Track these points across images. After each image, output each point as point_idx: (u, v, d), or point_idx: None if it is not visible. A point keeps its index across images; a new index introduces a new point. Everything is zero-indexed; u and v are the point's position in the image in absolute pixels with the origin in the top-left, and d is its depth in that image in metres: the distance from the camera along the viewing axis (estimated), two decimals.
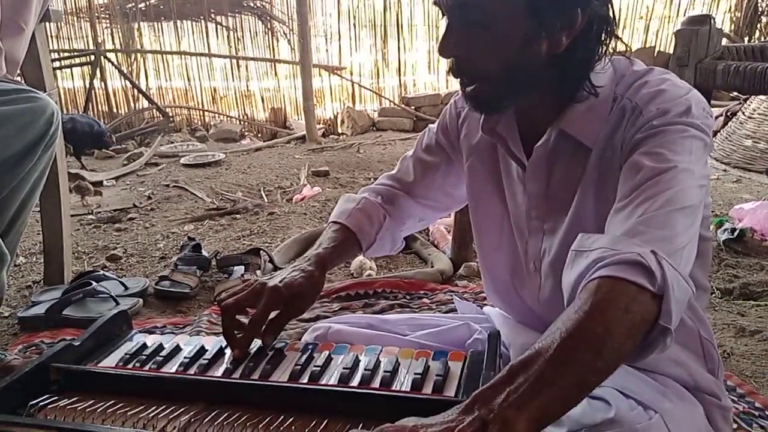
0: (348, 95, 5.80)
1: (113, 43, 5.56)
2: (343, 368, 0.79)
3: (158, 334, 1.08)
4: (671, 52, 1.92)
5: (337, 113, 5.69)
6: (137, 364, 0.84)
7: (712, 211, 2.65)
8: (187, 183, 3.55)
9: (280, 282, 0.90)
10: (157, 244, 2.52)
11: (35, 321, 1.77)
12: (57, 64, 5.18)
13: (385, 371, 0.78)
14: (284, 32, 5.66)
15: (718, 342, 1.53)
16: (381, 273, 2.14)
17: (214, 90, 5.77)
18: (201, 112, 5.76)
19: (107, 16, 5.53)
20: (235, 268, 2.10)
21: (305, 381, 0.78)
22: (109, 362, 0.86)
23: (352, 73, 5.78)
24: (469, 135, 1.01)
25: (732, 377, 1.41)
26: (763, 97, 3.68)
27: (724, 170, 3.60)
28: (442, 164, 1.08)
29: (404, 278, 2.01)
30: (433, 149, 1.08)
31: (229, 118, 5.72)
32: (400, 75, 5.82)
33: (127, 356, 0.86)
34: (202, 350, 0.87)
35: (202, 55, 5.65)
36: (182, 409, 0.73)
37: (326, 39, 5.68)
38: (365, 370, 0.79)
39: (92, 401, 0.75)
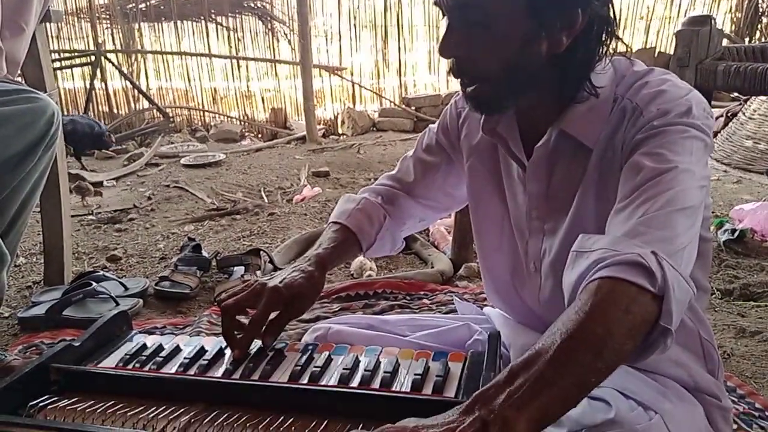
0: (348, 96, 5.80)
1: (114, 43, 5.56)
2: (343, 369, 0.79)
3: (158, 334, 1.07)
4: (672, 52, 1.92)
5: (338, 114, 5.69)
6: (137, 365, 0.84)
7: (713, 212, 2.65)
8: (187, 183, 3.55)
9: (280, 282, 0.90)
10: (157, 245, 2.52)
11: (35, 321, 1.77)
12: (57, 64, 5.19)
13: (385, 372, 0.78)
14: (285, 32, 5.66)
15: (719, 343, 1.53)
16: (381, 273, 2.13)
17: (215, 90, 5.77)
18: (201, 112, 5.77)
19: (108, 16, 5.53)
20: (235, 268, 2.10)
21: (305, 382, 0.78)
22: (109, 363, 0.86)
23: (352, 74, 5.78)
24: (470, 135, 1.01)
25: (732, 378, 1.41)
26: (763, 97, 3.68)
27: (725, 171, 3.60)
28: (443, 164, 1.08)
29: (404, 279, 2.01)
30: (434, 149, 1.08)
31: (229, 119, 5.72)
32: (400, 75, 5.82)
33: (127, 357, 0.85)
34: (202, 351, 0.86)
35: (202, 55, 5.65)
36: (182, 410, 0.73)
37: (327, 39, 5.68)
38: (365, 370, 0.79)
39: (92, 402, 0.75)
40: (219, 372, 0.82)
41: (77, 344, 0.86)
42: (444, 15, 0.82)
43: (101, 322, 0.92)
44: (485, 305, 1.19)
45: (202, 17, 5.56)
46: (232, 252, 2.32)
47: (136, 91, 5.48)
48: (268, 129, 5.62)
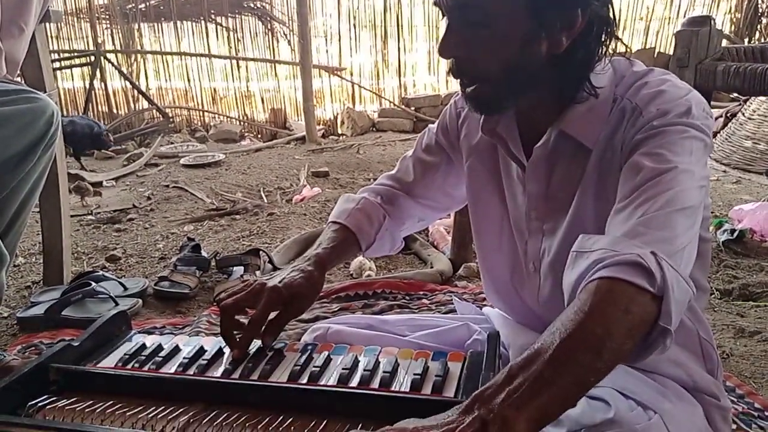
0: (348, 96, 5.80)
1: (113, 43, 5.56)
2: (343, 369, 0.79)
3: (157, 334, 1.07)
4: (671, 53, 1.92)
5: (337, 114, 5.69)
6: (136, 365, 0.84)
7: (712, 212, 2.65)
8: (186, 183, 3.55)
9: (280, 282, 0.90)
10: (157, 245, 2.52)
11: (34, 321, 1.77)
12: (57, 64, 5.18)
13: (384, 372, 0.78)
14: (284, 33, 5.66)
15: (718, 343, 1.53)
16: (380, 273, 2.13)
17: (214, 90, 5.77)
18: (201, 112, 5.76)
19: (107, 16, 5.53)
20: (235, 268, 2.10)
21: (304, 381, 0.78)
22: (109, 363, 0.86)
23: (352, 74, 5.78)
24: (469, 135, 1.01)
25: (731, 378, 1.41)
26: (763, 98, 3.68)
27: (724, 171, 3.60)
28: (442, 164, 1.08)
29: (404, 279, 2.01)
30: (433, 149, 1.08)
31: (229, 119, 5.72)
32: (400, 76, 5.82)
33: (126, 357, 0.85)
34: (202, 351, 0.86)
35: (202, 55, 5.65)
36: (181, 410, 0.73)
37: (326, 40, 5.68)
38: (364, 370, 0.79)
39: (91, 402, 0.75)
40: (218, 372, 0.82)
41: (76, 344, 0.86)
42: (444, 15, 0.82)
43: (100, 322, 0.92)
44: (484, 305, 1.19)
45: (201, 17, 5.55)
46: (232, 252, 2.32)
47: (135, 92, 5.48)
48: (267, 129, 5.62)
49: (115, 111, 5.56)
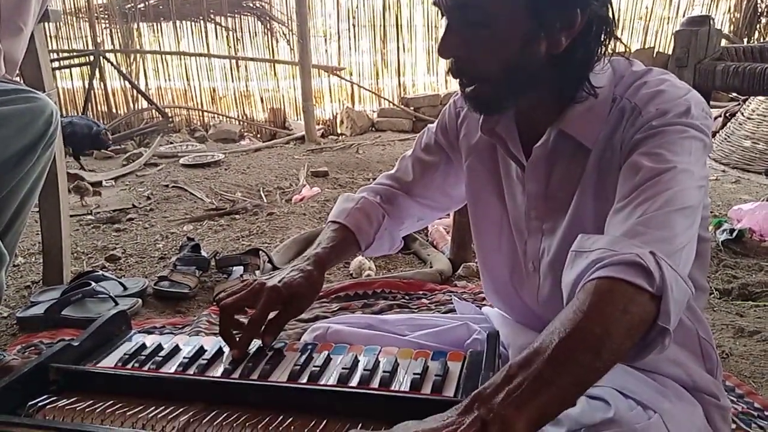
0: (347, 96, 5.79)
1: (112, 43, 5.55)
2: (342, 368, 0.79)
3: (157, 334, 1.07)
4: (670, 52, 1.92)
5: (336, 114, 5.69)
6: (136, 365, 0.84)
7: (711, 212, 2.65)
8: (186, 183, 3.55)
9: (279, 282, 0.90)
10: (156, 245, 2.52)
11: (34, 321, 1.77)
12: (56, 64, 5.18)
13: (384, 371, 0.78)
14: (283, 33, 5.65)
15: (717, 342, 1.53)
16: (380, 273, 2.14)
17: (214, 90, 5.76)
18: (200, 112, 5.76)
19: (106, 16, 5.53)
20: (234, 268, 2.10)
21: (304, 381, 0.78)
22: (108, 362, 0.86)
23: (351, 74, 5.78)
24: (469, 135, 1.01)
25: (731, 377, 1.41)
26: (762, 98, 3.68)
27: (723, 171, 3.60)
28: (441, 164, 1.08)
29: (403, 278, 2.01)
30: (432, 149, 1.09)
31: (228, 119, 5.71)
32: (399, 76, 5.81)
33: (126, 356, 0.85)
34: (201, 350, 0.87)
35: (201, 55, 5.64)
36: (181, 410, 0.73)
37: (325, 39, 5.68)
38: (364, 370, 0.79)
39: (91, 401, 0.75)
40: (218, 371, 0.82)
41: (76, 344, 0.86)
42: (443, 15, 0.82)
43: (100, 321, 0.92)
44: (484, 305, 1.19)
45: (201, 17, 5.55)
46: (231, 252, 2.32)
47: (134, 91, 5.47)
48: (267, 129, 5.61)
49: (114, 111, 5.56)
